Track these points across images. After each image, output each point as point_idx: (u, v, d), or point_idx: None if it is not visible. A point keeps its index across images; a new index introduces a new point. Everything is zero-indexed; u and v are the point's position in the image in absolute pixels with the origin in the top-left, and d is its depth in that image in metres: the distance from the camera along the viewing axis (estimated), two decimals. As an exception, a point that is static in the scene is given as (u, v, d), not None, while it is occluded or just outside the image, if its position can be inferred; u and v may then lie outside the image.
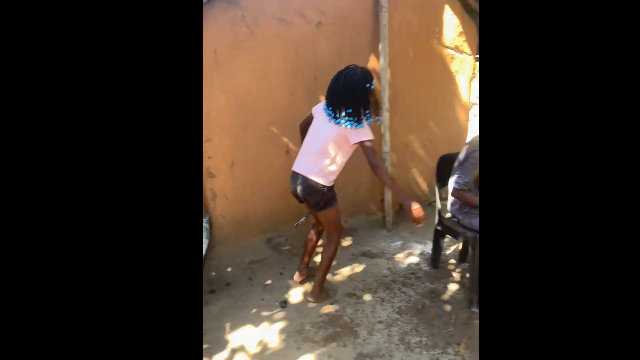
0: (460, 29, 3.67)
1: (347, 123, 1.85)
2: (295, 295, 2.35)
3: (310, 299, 2.26)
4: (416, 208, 1.79)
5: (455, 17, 3.56)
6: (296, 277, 2.46)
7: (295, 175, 2.06)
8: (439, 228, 2.47)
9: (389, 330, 2.02)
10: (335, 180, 2.04)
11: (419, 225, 1.81)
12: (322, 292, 2.27)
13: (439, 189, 2.46)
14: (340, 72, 1.90)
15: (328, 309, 2.20)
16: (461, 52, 3.83)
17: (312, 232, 2.40)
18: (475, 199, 2.15)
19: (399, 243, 2.99)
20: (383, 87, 2.94)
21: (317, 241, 2.42)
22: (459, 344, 1.89)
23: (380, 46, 2.87)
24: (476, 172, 2.15)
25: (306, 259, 2.44)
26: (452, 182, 2.25)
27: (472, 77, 4.25)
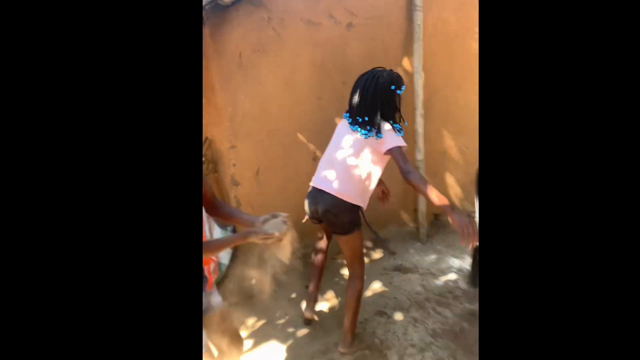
0: (501, 28, 3.43)
1: (371, 133, 1.64)
2: (320, 310, 2.21)
3: (342, 350, 1.88)
4: (466, 223, 1.42)
5: (496, 15, 3.33)
6: (307, 314, 2.06)
7: (317, 193, 1.77)
8: (478, 244, 2.25)
9: (422, 356, 1.84)
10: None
11: (469, 246, 1.43)
12: (355, 339, 1.91)
13: (479, 200, 2.25)
14: (362, 75, 1.70)
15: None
16: (502, 52, 3.59)
17: (318, 254, 2.07)
18: None
19: (433, 257, 2.78)
20: (417, 92, 2.77)
21: (324, 262, 2.08)
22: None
23: (414, 47, 2.71)
24: None
25: (314, 286, 2.08)
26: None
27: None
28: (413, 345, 1.91)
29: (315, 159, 2.63)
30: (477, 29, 3.17)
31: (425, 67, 2.77)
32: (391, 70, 1.71)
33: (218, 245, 1.29)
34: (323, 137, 2.41)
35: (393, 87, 1.65)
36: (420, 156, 2.91)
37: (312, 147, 2.60)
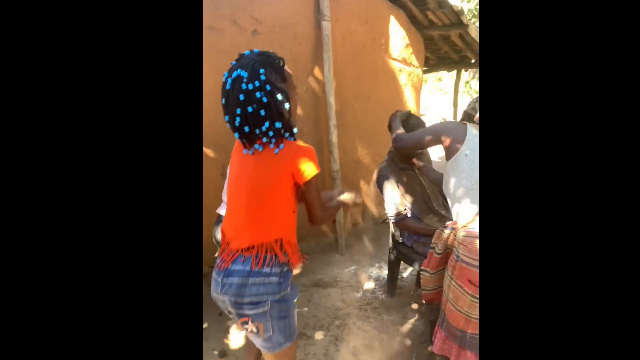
0: (407, 40, 3.59)
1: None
2: (236, 342, 2.03)
3: None
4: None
5: (401, 28, 3.46)
6: None
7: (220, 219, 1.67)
8: (393, 255, 2.26)
9: (343, 378, 1.76)
10: None
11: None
12: None
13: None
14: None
15: (273, 356, 1.90)
16: (409, 64, 3.75)
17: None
18: (418, 225, 1.99)
19: (353, 268, 2.76)
20: (329, 102, 2.74)
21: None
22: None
23: (324, 57, 2.67)
24: (397, 194, 2.03)
25: None
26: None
27: (421, 89, 4.19)
28: (334, 367, 1.83)
29: (224, 175, 2.44)
30: (384, 40, 3.26)
31: (336, 77, 2.76)
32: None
33: (335, 208, 1.27)
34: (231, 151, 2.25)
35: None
36: (336, 166, 2.88)
37: (219, 160, 2.41)
